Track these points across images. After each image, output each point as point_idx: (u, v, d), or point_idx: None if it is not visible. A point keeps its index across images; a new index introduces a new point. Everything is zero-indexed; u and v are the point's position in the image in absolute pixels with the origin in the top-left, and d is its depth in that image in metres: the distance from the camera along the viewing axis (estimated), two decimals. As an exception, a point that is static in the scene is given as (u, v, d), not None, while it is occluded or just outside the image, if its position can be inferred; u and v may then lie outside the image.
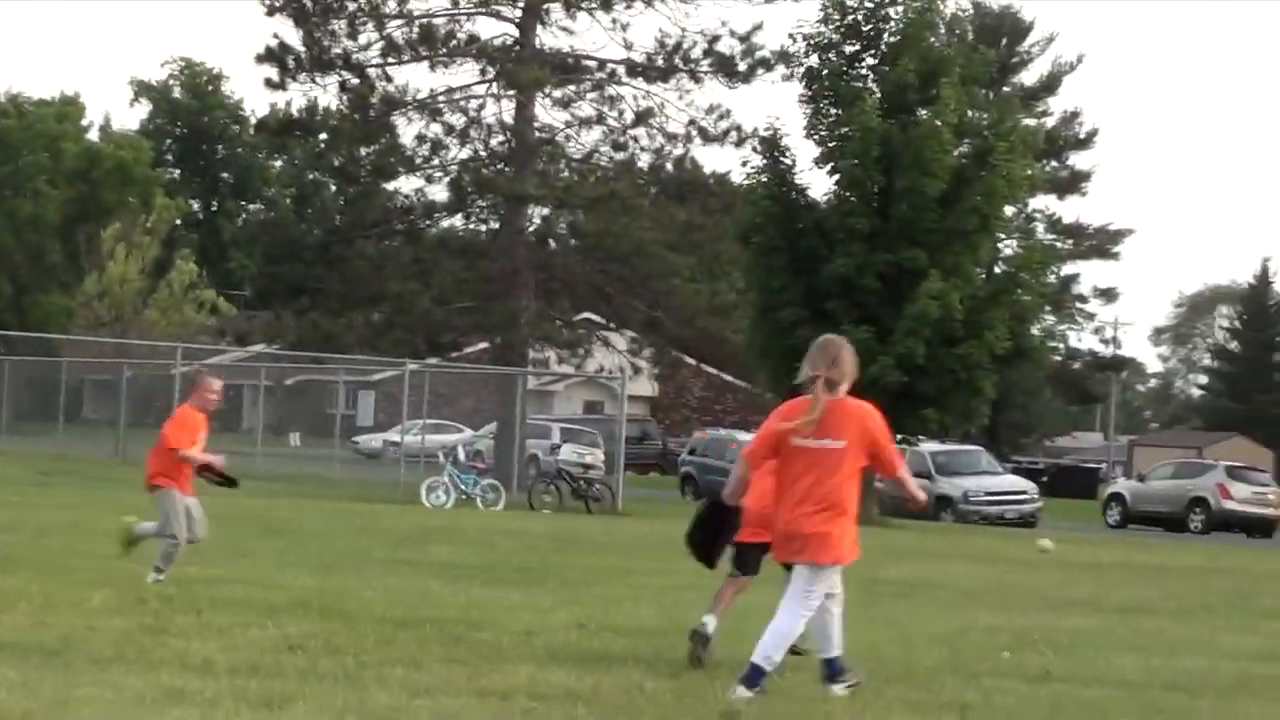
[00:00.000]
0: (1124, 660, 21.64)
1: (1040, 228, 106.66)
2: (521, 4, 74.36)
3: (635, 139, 75.18)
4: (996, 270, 69.23)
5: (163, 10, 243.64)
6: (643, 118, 74.55)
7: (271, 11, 74.25)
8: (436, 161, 75.77)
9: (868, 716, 15.53)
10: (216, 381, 24.52)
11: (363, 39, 75.04)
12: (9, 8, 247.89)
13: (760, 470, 16.49)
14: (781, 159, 68.93)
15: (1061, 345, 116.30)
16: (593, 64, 74.82)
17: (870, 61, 68.60)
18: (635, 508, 60.44)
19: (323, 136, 78.05)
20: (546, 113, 75.03)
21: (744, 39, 74.60)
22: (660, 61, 74.32)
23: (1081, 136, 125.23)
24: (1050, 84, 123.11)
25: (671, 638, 20.65)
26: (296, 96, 77.31)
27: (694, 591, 28.11)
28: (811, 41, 68.90)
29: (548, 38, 74.60)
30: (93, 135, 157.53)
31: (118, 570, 25.20)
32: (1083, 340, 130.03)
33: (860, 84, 67.67)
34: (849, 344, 16.46)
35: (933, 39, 68.45)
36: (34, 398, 79.91)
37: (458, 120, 75.24)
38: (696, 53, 74.18)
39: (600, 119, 75.21)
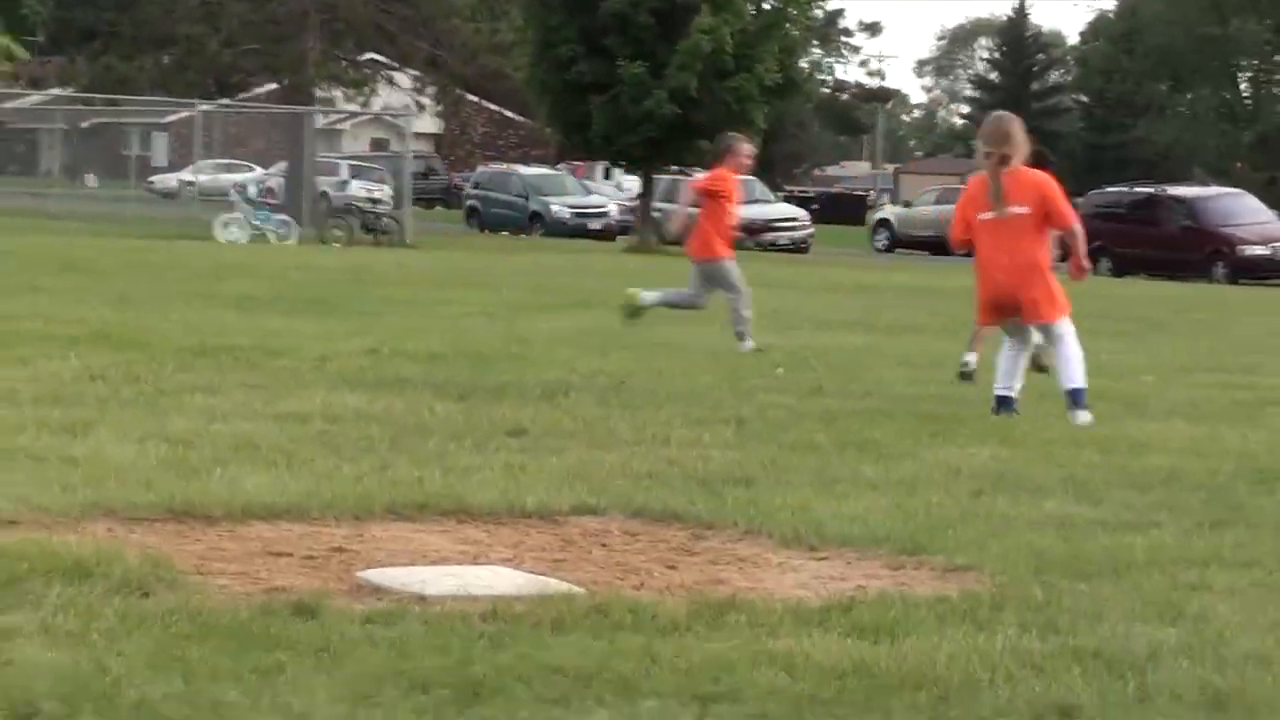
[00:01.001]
0: (893, 374, 22.66)
1: None
2: None
3: None
4: (765, 5, 69.62)
5: None
6: None
7: None
8: None
9: (649, 430, 15.72)
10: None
11: None
12: None
13: None
14: None
15: (829, 78, 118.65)
16: None
17: None
18: (423, 241, 61.47)
19: None
20: None
21: None
22: None
23: None
24: None
25: (459, 362, 21.33)
26: None
27: (482, 319, 28.39)
28: None
29: None
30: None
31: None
32: (849, 73, 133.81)
33: None
34: (1016, 119, 17.56)
35: None
36: None
37: None
38: None
39: None
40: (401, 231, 61.27)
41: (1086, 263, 18.13)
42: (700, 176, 31.52)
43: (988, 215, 17.09)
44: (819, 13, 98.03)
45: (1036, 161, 16.78)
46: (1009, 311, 17.53)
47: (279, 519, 11.17)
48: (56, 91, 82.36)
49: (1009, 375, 17.65)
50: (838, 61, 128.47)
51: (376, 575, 9.65)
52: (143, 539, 10.28)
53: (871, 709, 7.50)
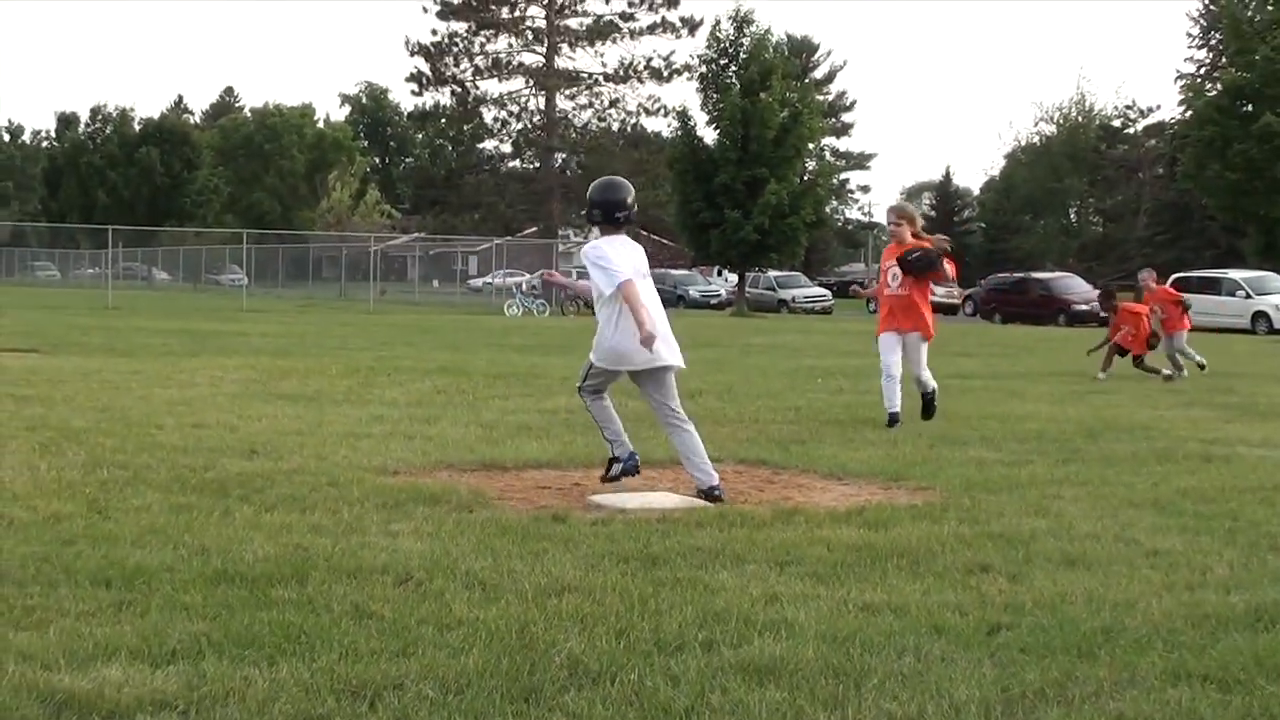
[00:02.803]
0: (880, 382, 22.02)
1: (827, 154, 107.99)
2: (545, 45, 75.66)
3: (610, 115, 77.84)
4: (805, 177, 70.61)
5: (353, 55, 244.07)
6: (614, 103, 77.07)
7: (412, 53, 77.64)
8: (505, 132, 78.69)
9: (746, 414, 15.49)
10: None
11: (462, 67, 77.60)
12: (274, 62, 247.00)
13: None
14: (689, 122, 71.80)
15: (840, 217, 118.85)
16: (586, 75, 76.15)
17: (734, 68, 70.30)
18: None
19: (443, 120, 79.50)
20: (562, 102, 76.99)
21: (666, 59, 76.47)
22: (622, 73, 75.94)
23: (848, 105, 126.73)
24: (830, 76, 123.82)
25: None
26: (428, 98, 79.15)
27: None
28: (702, 59, 72.26)
29: (562, 62, 76.55)
30: (319, 124, 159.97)
31: (347, 351, 25.12)
32: (852, 213, 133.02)
33: (729, 80, 69.77)
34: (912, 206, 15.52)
35: (766, 54, 70.32)
36: (294, 266, 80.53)
37: (514, 109, 77.84)
38: (641, 67, 75.66)
39: (590, 105, 77.36)
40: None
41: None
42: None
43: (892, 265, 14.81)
44: (835, 181, 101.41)
45: (953, 255, 15.51)
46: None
47: (543, 468, 11.20)
48: (416, 234, 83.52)
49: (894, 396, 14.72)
50: (845, 207, 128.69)
51: (598, 498, 9.67)
52: (468, 480, 10.31)
53: (874, 568, 7.48)
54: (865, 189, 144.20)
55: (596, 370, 10.41)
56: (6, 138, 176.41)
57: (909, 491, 10.35)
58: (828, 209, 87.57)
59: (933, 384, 15.05)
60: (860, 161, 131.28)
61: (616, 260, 9.82)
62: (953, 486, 10.40)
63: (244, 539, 7.80)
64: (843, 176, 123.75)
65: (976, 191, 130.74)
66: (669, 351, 10.25)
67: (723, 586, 6.93)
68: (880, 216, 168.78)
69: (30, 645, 5.64)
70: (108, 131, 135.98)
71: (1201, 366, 24.44)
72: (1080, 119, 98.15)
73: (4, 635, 5.78)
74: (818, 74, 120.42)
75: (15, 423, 13.04)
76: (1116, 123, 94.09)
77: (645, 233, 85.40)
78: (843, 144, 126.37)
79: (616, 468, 10.16)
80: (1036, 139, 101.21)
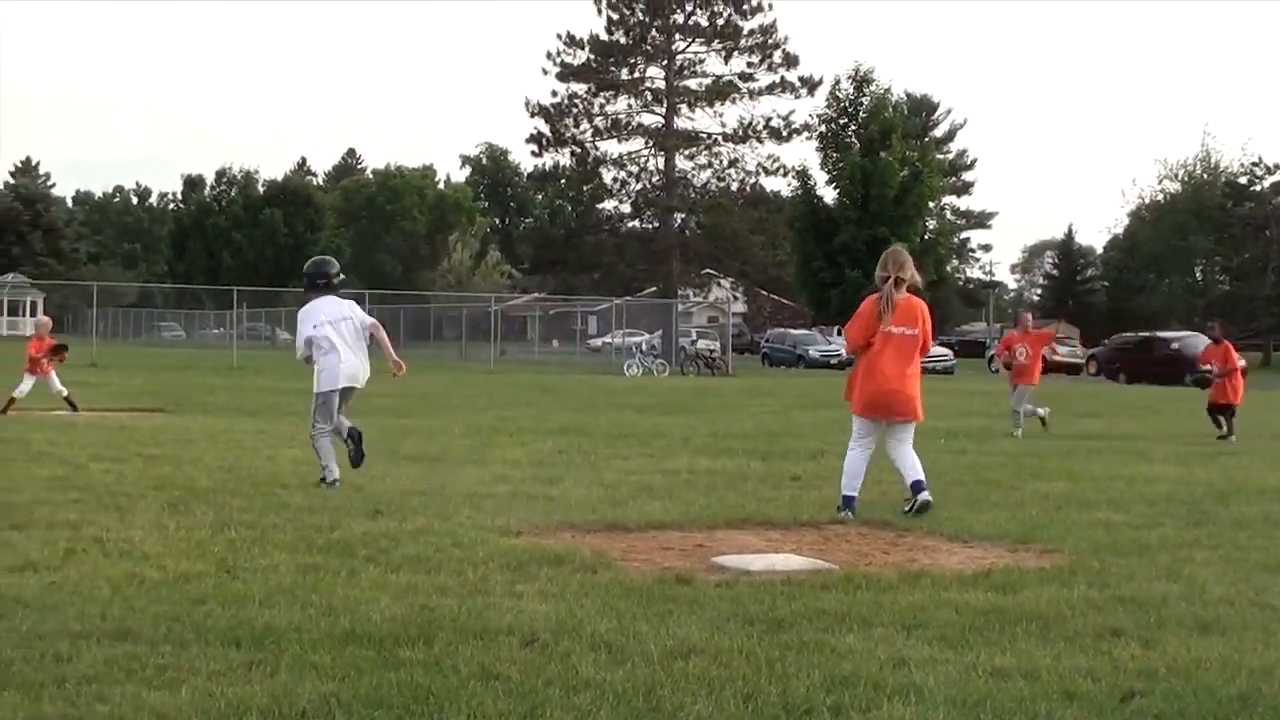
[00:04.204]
0: (1006, 442, 21.73)
1: (948, 213, 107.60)
2: (665, 105, 76.07)
3: (730, 175, 77.10)
4: (926, 236, 71.03)
5: (474, 116, 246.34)
6: (733, 163, 76.47)
7: (532, 115, 77.68)
8: (624, 192, 78.19)
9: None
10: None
11: (582, 128, 77.51)
12: (396, 124, 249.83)
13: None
14: (809, 181, 73.22)
15: (961, 276, 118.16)
16: (705, 135, 76.25)
17: (853, 127, 71.69)
18: (738, 372, 60.74)
19: (562, 180, 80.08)
20: (681, 162, 76.85)
21: (785, 118, 76.18)
22: (741, 132, 75.73)
23: (968, 163, 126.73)
24: (950, 134, 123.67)
25: (760, 438, 21.01)
26: (548, 159, 79.38)
27: (772, 414, 28.10)
28: (822, 118, 73.55)
29: (681, 122, 76.40)
30: (440, 185, 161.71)
31: (469, 411, 25.27)
32: (974, 272, 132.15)
33: (849, 139, 71.19)
34: (908, 255, 13.43)
35: (886, 113, 71.24)
36: (415, 326, 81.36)
37: (634, 169, 77.47)
38: (760, 127, 75.55)
39: (709, 165, 76.96)
40: (726, 367, 61.35)
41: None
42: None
43: (889, 328, 12.36)
44: (956, 240, 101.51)
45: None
46: (884, 410, 12.60)
47: (666, 529, 11.18)
48: (536, 294, 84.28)
49: (856, 476, 12.43)
50: (967, 266, 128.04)
51: (722, 560, 9.64)
52: (591, 541, 10.32)
53: (1003, 632, 7.39)
54: (986, 248, 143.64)
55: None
56: (135, 200, 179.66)
57: (1036, 554, 10.23)
58: (949, 268, 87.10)
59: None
60: (981, 220, 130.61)
61: (311, 320, 13.96)
62: (1081, 549, 10.28)
63: (371, 599, 7.85)
64: (963, 235, 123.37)
65: (1100, 250, 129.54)
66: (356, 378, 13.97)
67: (850, 650, 6.88)
68: (1002, 275, 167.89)
69: (164, 704, 5.70)
70: (233, 193, 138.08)
71: (1044, 422, 24.33)
72: (1205, 176, 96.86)
73: (138, 694, 5.85)
74: (938, 132, 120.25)
75: (144, 482, 13.24)
76: (1243, 180, 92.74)
77: (765, 292, 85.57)
78: (963, 203, 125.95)
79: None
80: (1161, 197, 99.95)
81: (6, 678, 6.07)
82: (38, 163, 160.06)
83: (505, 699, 5.89)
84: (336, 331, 13.72)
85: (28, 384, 23.75)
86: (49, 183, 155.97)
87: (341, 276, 14.53)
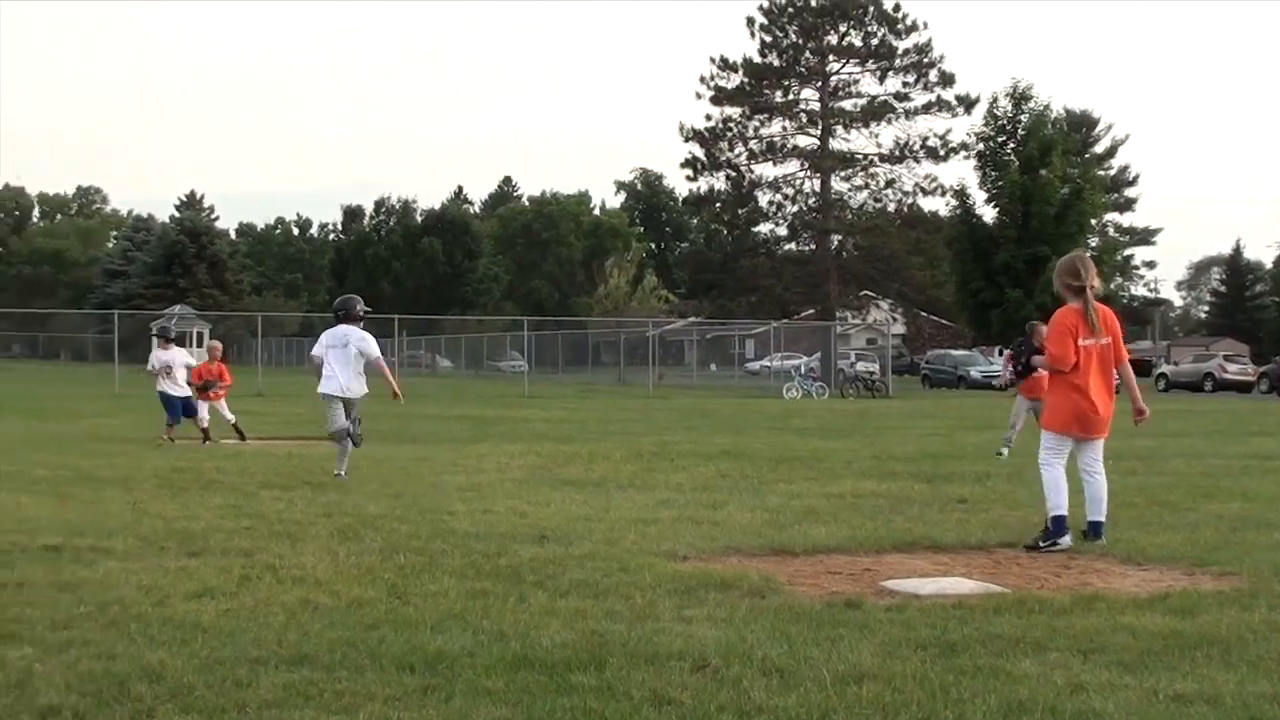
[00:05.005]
0: (1175, 463, 20.98)
1: (1110, 229, 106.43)
2: (819, 127, 75.81)
3: (886, 195, 77.04)
4: (1089, 254, 70.17)
5: (628, 142, 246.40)
6: (890, 184, 76.40)
7: (687, 139, 77.92)
8: (780, 214, 78.31)
9: (1038, 496, 15.00)
10: None
11: (737, 151, 77.77)
12: (550, 151, 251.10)
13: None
14: (967, 200, 72.89)
15: (1125, 294, 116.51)
16: (861, 156, 75.83)
17: (1012, 145, 70.91)
18: (898, 394, 60.24)
19: (717, 204, 79.93)
20: (837, 183, 76.58)
21: (942, 137, 75.82)
22: (898, 153, 75.40)
23: (1131, 179, 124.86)
24: (1112, 150, 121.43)
25: (923, 461, 20.79)
26: (703, 183, 79.53)
27: (934, 436, 27.81)
28: (979, 136, 73.02)
29: (836, 144, 76.24)
30: (595, 211, 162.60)
31: (629, 436, 25.35)
32: (1138, 290, 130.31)
33: (1007, 157, 70.49)
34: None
35: (1045, 130, 70.73)
36: (573, 351, 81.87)
37: (789, 191, 77.41)
38: (917, 146, 75.23)
39: (866, 186, 76.89)
40: (886, 389, 60.96)
41: (1144, 406, 12.25)
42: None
43: (1088, 341, 11.54)
44: (1119, 257, 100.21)
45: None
46: (1085, 427, 11.72)
47: (832, 553, 11.13)
48: (693, 318, 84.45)
49: (1064, 492, 11.65)
50: (1130, 283, 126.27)
51: (891, 584, 9.58)
52: (758, 566, 10.30)
53: (1183, 657, 7.27)
54: (1150, 264, 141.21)
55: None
56: (296, 231, 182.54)
57: (1213, 577, 10.04)
58: (1112, 285, 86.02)
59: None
60: (1145, 237, 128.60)
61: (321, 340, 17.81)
62: (1260, 572, 10.06)
63: (540, 624, 7.90)
64: (1127, 252, 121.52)
65: (1269, 265, 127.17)
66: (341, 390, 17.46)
67: (1025, 675, 6.80)
68: (1167, 292, 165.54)
69: (342, 729, 5.78)
70: (391, 223, 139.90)
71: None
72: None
73: (316, 719, 5.94)
74: (1098, 149, 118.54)
75: (313, 509, 13.44)
76: None
77: (923, 313, 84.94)
78: (1126, 219, 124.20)
79: None
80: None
81: (190, 702, 6.19)
82: (202, 196, 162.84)
83: (679, 724, 5.90)
84: (331, 354, 17.50)
85: (204, 410, 24.34)
86: (213, 215, 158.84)
87: (364, 310, 18.00)
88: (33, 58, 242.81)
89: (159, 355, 24.83)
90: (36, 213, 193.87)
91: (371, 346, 17.61)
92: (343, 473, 17.00)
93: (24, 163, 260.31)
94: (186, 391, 24.48)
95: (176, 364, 24.58)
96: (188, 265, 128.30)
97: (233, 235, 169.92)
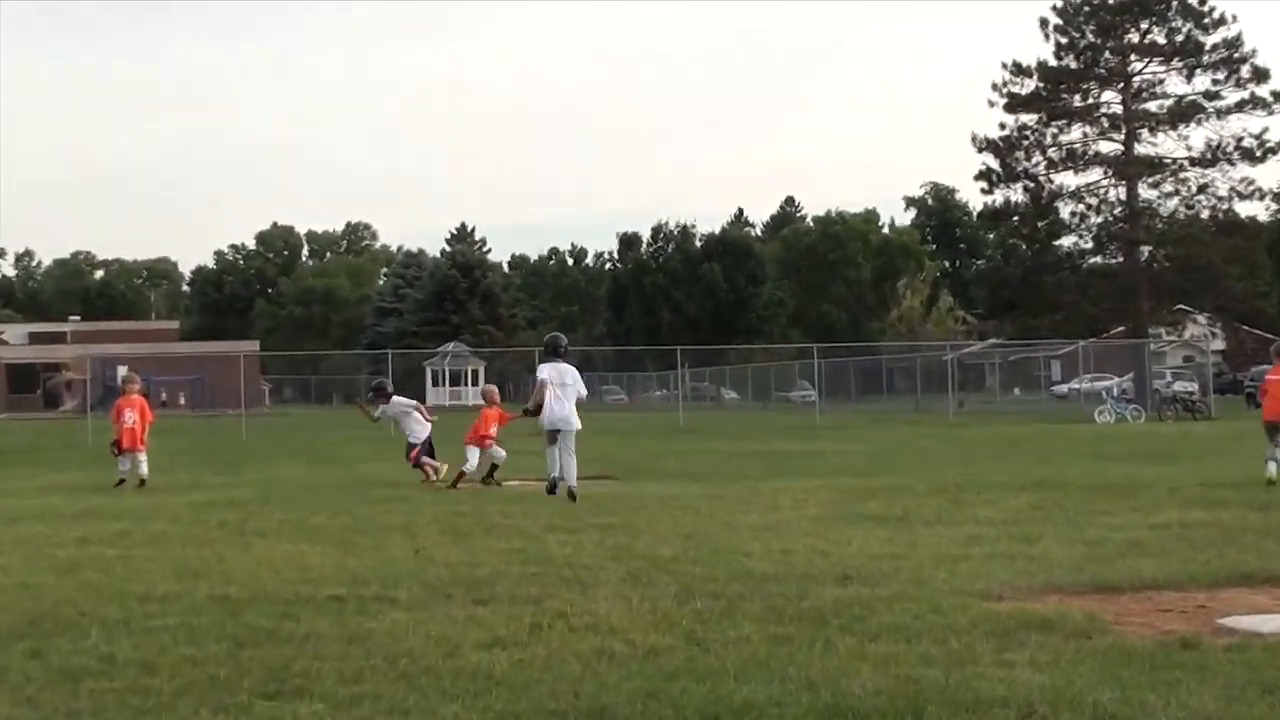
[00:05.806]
0: None
1: None
2: (1123, 131, 74.16)
3: (1199, 201, 74.33)
4: None
5: (915, 156, 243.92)
6: (1203, 189, 73.75)
7: (980, 150, 76.79)
8: (1084, 226, 76.45)
9: None
10: None
11: (1034, 160, 76.25)
12: (834, 169, 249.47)
13: None
14: None
15: None
16: (1169, 160, 73.94)
17: None
18: (1220, 415, 58.06)
19: (1015, 218, 78.51)
20: (1145, 191, 74.56)
21: (1258, 137, 73.35)
22: (1210, 155, 73.15)
23: None
24: None
25: (1253, 489, 20.05)
26: (999, 196, 78.29)
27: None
28: None
29: (1142, 148, 74.48)
30: (884, 229, 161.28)
31: (930, 467, 24.91)
32: None
33: None
34: None
35: None
36: (865, 379, 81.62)
37: (1093, 201, 75.59)
38: (1230, 148, 72.82)
39: (1176, 192, 74.53)
40: (1208, 410, 59.37)
41: None
42: None
43: None
44: None
45: None
46: None
47: (1161, 588, 10.82)
48: (993, 339, 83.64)
49: None
50: None
51: (1229, 621, 9.26)
52: (1080, 604, 10.05)
53: None
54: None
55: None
56: (570, 261, 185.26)
57: None
58: None
59: None
60: None
61: (542, 373, 19.91)
62: None
63: (850, 671, 7.80)
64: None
65: None
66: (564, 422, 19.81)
67: (1390, 722, 6.48)
68: None
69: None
70: (669, 250, 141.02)
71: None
72: None
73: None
74: None
75: (601, 552, 13.50)
76: None
77: (1245, 327, 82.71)
78: None
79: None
80: None
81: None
82: (473, 228, 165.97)
83: (1008, 778, 5.75)
84: (557, 388, 19.70)
85: (474, 457, 24.45)
86: (485, 248, 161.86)
87: (568, 348, 20.52)
88: (309, 96, 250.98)
89: (387, 411, 25.52)
90: (305, 251, 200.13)
91: (583, 385, 20.22)
92: (553, 476, 20.16)
93: (294, 199, 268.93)
94: (429, 430, 25.02)
95: (408, 407, 25.28)
96: (460, 301, 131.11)
97: (506, 268, 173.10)
